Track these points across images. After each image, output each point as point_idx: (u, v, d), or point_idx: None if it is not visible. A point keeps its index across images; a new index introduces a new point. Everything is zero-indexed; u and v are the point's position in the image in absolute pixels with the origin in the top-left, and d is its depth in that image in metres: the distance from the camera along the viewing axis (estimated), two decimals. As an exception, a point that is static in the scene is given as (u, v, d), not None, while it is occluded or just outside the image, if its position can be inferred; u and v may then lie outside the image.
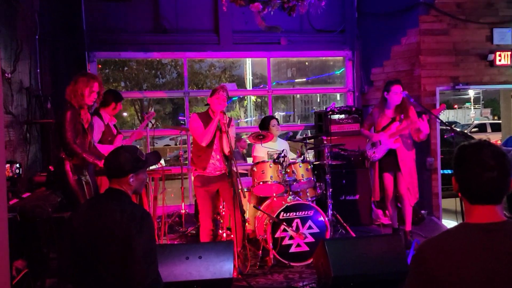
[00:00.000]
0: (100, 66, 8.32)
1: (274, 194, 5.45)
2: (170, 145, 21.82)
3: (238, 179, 4.60)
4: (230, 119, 4.94)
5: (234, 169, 4.63)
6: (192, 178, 5.29)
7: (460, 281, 1.65)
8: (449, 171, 7.16)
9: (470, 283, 1.65)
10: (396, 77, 6.56)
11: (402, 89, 5.39)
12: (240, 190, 4.76)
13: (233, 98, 21.07)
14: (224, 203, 5.23)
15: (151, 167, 5.33)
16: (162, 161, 5.51)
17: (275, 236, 4.96)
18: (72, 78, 4.53)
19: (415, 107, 5.46)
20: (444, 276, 1.67)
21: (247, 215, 5.53)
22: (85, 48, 7.11)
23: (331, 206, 5.68)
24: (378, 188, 5.62)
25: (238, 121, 23.47)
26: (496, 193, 1.75)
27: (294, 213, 5.05)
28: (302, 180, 5.39)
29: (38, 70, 6.14)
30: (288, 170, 5.37)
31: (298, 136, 12.78)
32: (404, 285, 1.79)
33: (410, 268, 1.80)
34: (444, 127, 6.01)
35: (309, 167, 5.49)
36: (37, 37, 6.11)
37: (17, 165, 4.27)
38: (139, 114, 19.47)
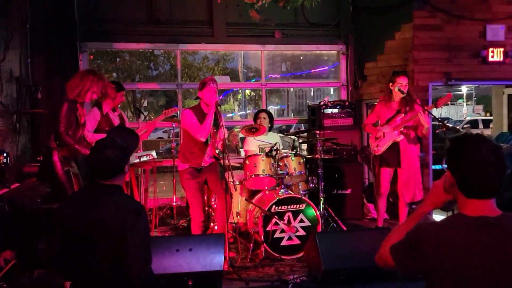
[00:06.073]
0: (92, 56, 8.24)
1: (266, 188, 5.44)
2: (163, 138, 21.75)
3: (230, 172, 4.63)
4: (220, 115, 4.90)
5: (227, 162, 4.62)
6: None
7: (457, 271, 1.67)
8: (440, 167, 7.17)
9: (466, 274, 1.67)
10: (388, 72, 6.53)
11: (408, 81, 5.32)
12: (232, 183, 4.78)
13: (227, 92, 21.06)
14: (216, 195, 5.22)
15: (142, 159, 5.32)
16: (154, 153, 5.46)
17: (267, 229, 4.95)
18: (64, 68, 4.52)
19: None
20: (440, 264, 1.68)
21: (238, 208, 5.53)
22: (77, 38, 7.03)
23: (323, 200, 5.68)
24: (382, 182, 5.46)
25: (232, 114, 23.46)
26: (495, 188, 1.76)
27: (286, 207, 5.04)
28: (294, 174, 5.38)
29: (29, 60, 6.08)
30: (281, 164, 5.36)
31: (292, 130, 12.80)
32: (397, 244, 1.81)
33: (407, 238, 1.80)
34: (437, 123, 6.01)
35: (302, 160, 5.48)
36: (28, 26, 6.04)
37: (5, 154, 4.23)
38: (131, 106, 19.35)
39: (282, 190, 5.22)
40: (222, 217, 4.83)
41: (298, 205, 5.08)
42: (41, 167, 4.65)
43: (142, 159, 5.32)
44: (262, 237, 4.93)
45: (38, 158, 5.65)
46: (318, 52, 8.84)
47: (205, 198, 5.44)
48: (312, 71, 10.13)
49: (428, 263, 1.70)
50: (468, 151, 1.75)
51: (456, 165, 1.79)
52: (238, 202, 5.56)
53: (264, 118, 6.16)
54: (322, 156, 5.70)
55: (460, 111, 38.53)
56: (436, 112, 5.44)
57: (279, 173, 5.29)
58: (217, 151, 4.94)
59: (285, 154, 5.50)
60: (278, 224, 4.98)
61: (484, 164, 1.72)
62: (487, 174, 1.72)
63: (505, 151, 6.49)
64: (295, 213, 5.05)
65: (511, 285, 1.66)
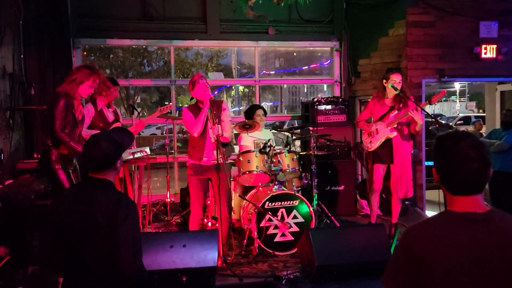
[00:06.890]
0: (85, 53, 8.21)
1: (260, 184, 5.45)
2: (156, 134, 21.71)
3: (225, 170, 4.59)
4: (221, 102, 4.91)
5: (221, 158, 4.58)
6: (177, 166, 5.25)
7: (446, 268, 1.67)
8: (433, 163, 7.20)
9: (455, 271, 1.67)
10: (382, 69, 6.55)
11: (402, 78, 5.32)
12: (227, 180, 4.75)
13: (220, 88, 21.04)
14: (212, 193, 5.20)
15: (136, 156, 5.32)
16: (148, 150, 5.46)
17: (260, 225, 4.97)
18: (57, 64, 4.48)
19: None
20: (430, 263, 1.69)
21: (232, 205, 5.53)
22: (70, 34, 7.00)
23: (316, 196, 5.70)
24: (375, 179, 5.44)
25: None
26: (478, 183, 1.76)
27: (280, 203, 5.06)
28: (288, 170, 5.39)
29: (22, 56, 6.05)
30: (274, 160, 5.37)
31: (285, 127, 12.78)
32: (388, 269, 1.80)
33: (395, 252, 1.81)
34: (430, 120, 6.03)
35: (295, 157, 5.50)
36: (21, 22, 6.01)
37: (-1, 151, 4.22)
38: (124, 102, 19.27)
39: (275, 187, 5.23)
40: (224, 227, 4.76)
41: (291, 202, 5.09)
42: (39, 164, 4.61)
43: (136, 156, 5.31)
44: (255, 233, 4.94)
45: (35, 156, 5.63)
46: (311, 48, 8.84)
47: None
48: (306, 67, 10.14)
49: (420, 263, 1.70)
50: (449, 148, 1.76)
51: (439, 162, 1.80)
52: (232, 199, 5.56)
53: (263, 115, 6.17)
54: (316, 153, 5.72)
55: (453, 107, 38.71)
56: (429, 108, 5.46)
57: (272, 169, 5.30)
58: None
59: (278, 151, 5.51)
60: (272, 221, 5.00)
61: (465, 160, 1.72)
62: (468, 169, 1.72)
63: (498, 148, 6.51)
64: (289, 210, 5.07)
65: (500, 281, 1.67)
